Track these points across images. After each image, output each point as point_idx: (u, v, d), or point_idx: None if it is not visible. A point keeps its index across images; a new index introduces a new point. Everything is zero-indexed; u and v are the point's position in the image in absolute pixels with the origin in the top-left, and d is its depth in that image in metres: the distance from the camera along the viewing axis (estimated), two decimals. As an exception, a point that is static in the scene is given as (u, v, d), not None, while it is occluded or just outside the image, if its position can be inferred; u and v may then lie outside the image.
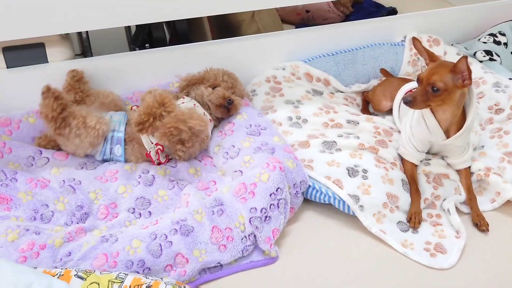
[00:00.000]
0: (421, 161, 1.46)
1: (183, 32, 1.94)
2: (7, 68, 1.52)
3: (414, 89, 1.59)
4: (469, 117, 1.36)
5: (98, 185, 1.33)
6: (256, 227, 1.23)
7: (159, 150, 1.38)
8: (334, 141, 1.46)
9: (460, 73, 1.27)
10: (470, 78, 1.27)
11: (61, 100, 1.31)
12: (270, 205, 1.26)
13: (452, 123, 1.38)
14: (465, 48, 1.98)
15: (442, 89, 1.28)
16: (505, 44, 1.99)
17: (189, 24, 2.00)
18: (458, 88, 1.29)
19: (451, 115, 1.35)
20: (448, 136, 1.39)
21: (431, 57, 1.36)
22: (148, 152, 1.39)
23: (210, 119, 1.50)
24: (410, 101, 1.30)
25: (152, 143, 1.38)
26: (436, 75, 1.28)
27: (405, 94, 1.59)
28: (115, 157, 1.42)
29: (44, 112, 1.32)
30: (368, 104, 1.79)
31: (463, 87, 1.29)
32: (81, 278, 1.01)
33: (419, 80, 1.33)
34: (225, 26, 2.10)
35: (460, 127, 1.37)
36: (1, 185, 1.28)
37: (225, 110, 1.51)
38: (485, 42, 1.98)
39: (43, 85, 1.35)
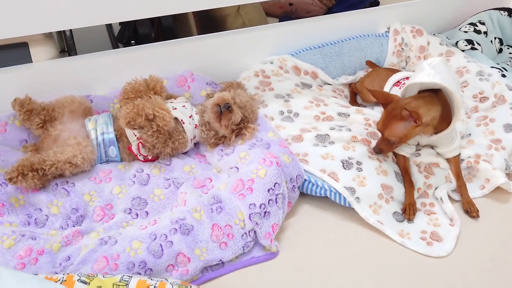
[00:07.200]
0: (411, 153, 1.49)
1: (169, 28, 1.91)
2: (-10, 69, 1.48)
3: (402, 79, 1.60)
4: (455, 119, 1.37)
5: (92, 186, 1.31)
6: (256, 223, 1.23)
7: (140, 144, 1.36)
8: (327, 134, 1.47)
9: (408, 119, 1.30)
10: (419, 118, 1.27)
11: (30, 174, 1.24)
12: (269, 200, 1.26)
13: (438, 122, 1.38)
14: (447, 37, 2.01)
15: (398, 141, 1.34)
16: (485, 33, 2.03)
17: (174, 20, 1.97)
18: (415, 128, 1.31)
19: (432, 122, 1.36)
20: (436, 132, 1.41)
21: (386, 100, 1.37)
22: (130, 146, 1.37)
23: (196, 125, 1.43)
24: (379, 153, 1.41)
25: (135, 135, 1.36)
26: (388, 130, 1.33)
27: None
28: (111, 159, 1.40)
29: (32, 187, 1.27)
30: (356, 95, 1.80)
31: (418, 126, 1.30)
32: (85, 282, 0.99)
33: (378, 130, 1.38)
34: (211, 21, 2.08)
35: (448, 121, 1.38)
36: (-8, 190, 1.25)
37: (218, 112, 1.39)
38: (466, 32, 2.02)
39: (26, 91, 1.35)
